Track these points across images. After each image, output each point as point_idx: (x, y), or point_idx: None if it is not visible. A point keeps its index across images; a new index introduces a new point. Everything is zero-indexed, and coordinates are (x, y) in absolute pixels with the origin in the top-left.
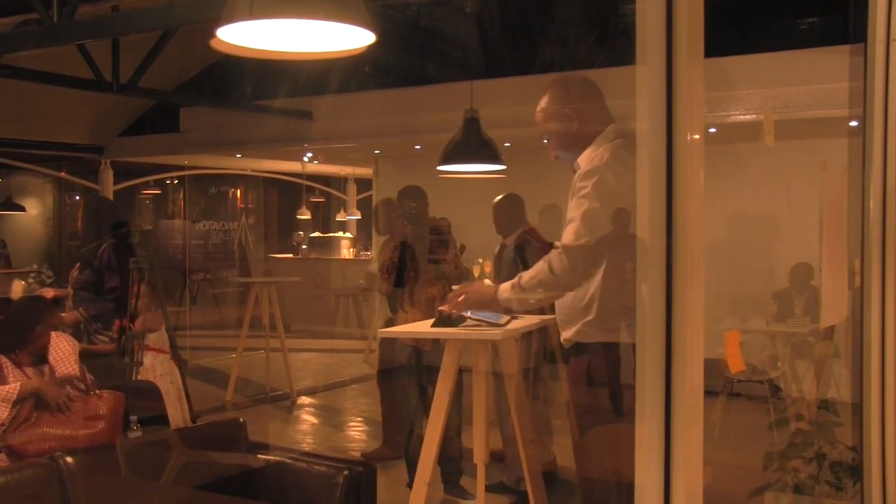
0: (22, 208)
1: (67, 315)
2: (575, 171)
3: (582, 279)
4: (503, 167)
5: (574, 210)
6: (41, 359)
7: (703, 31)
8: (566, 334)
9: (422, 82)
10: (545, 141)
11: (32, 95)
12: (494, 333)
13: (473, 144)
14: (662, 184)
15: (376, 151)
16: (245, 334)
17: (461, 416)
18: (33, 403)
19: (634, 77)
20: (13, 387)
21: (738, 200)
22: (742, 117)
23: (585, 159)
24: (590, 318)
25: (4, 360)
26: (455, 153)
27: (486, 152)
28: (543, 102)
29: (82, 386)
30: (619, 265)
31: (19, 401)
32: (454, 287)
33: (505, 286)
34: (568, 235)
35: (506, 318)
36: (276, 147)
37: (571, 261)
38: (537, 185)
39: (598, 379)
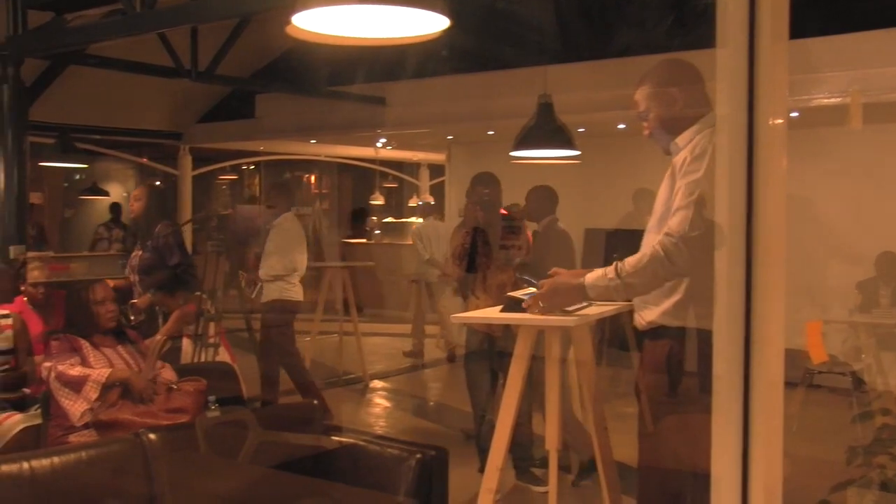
0: (106, 193)
1: (140, 300)
2: (669, 153)
3: (694, 267)
4: (577, 153)
5: (686, 196)
6: (118, 339)
7: (788, 11)
8: (647, 316)
9: (496, 67)
10: (643, 123)
11: (116, 84)
12: (568, 320)
13: (547, 130)
14: (743, 170)
15: (449, 137)
16: (319, 318)
17: (532, 402)
18: (121, 391)
19: (714, 61)
20: (104, 371)
21: (822, 187)
22: (826, 100)
23: (686, 141)
24: (677, 298)
25: (84, 343)
26: (528, 139)
27: (560, 138)
28: (646, 82)
29: (165, 388)
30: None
31: (108, 385)
32: (540, 282)
33: (594, 276)
34: (683, 223)
35: (584, 303)
36: (350, 133)
37: (690, 248)
38: (612, 170)
39: (676, 365)
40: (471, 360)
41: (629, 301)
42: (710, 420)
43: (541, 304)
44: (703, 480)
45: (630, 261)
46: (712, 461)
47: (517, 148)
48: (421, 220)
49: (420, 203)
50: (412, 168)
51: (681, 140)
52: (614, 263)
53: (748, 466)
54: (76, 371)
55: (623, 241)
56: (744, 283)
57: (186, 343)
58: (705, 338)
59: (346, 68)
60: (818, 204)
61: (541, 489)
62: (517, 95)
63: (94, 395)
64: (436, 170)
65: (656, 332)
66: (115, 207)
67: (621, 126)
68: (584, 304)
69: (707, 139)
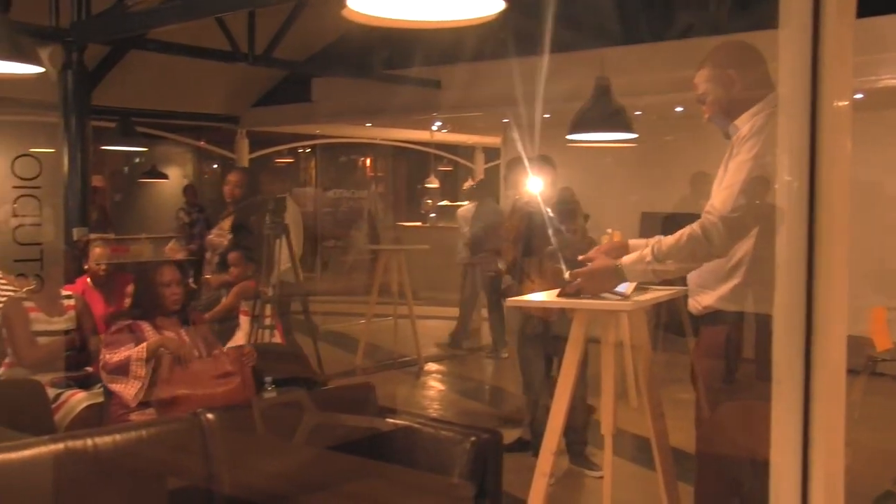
0: (165, 176)
1: (213, 278)
2: (728, 137)
3: (732, 248)
4: (634, 136)
5: (733, 175)
6: (181, 321)
7: None
8: (704, 300)
9: (553, 50)
10: (703, 106)
11: (175, 68)
12: (624, 305)
13: (604, 113)
14: (805, 153)
15: (505, 120)
16: (374, 301)
17: (587, 386)
18: (171, 362)
19: (776, 42)
20: (142, 346)
21: (888, 171)
22: (894, 82)
23: (745, 124)
24: (735, 282)
25: (145, 325)
26: (585, 122)
27: (617, 121)
28: (706, 65)
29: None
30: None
31: (150, 357)
32: (578, 259)
33: (631, 258)
34: (726, 202)
35: (631, 286)
36: (406, 116)
37: (728, 229)
38: (669, 153)
39: (734, 351)
40: (525, 345)
41: (683, 287)
42: (768, 407)
43: (576, 289)
44: (761, 468)
45: (667, 241)
46: (772, 449)
47: (573, 131)
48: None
49: (474, 186)
50: (467, 151)
51: (740, 122)
52: (651, 244)
53: (809, 455)
54: (119, 356)
55: (679, 225)
56: (805, 267)
57: (244, 321)
58: (764, 323)
59: (401, 52)
60: (884, 188)
61: (595, 474)
62: (574, 78)
63: (141, 372)
64: (491, 153)
65: (713, 316)
66: (190, 189)
67: (679, 109)
68: (635, 284)
69: (764, 121)
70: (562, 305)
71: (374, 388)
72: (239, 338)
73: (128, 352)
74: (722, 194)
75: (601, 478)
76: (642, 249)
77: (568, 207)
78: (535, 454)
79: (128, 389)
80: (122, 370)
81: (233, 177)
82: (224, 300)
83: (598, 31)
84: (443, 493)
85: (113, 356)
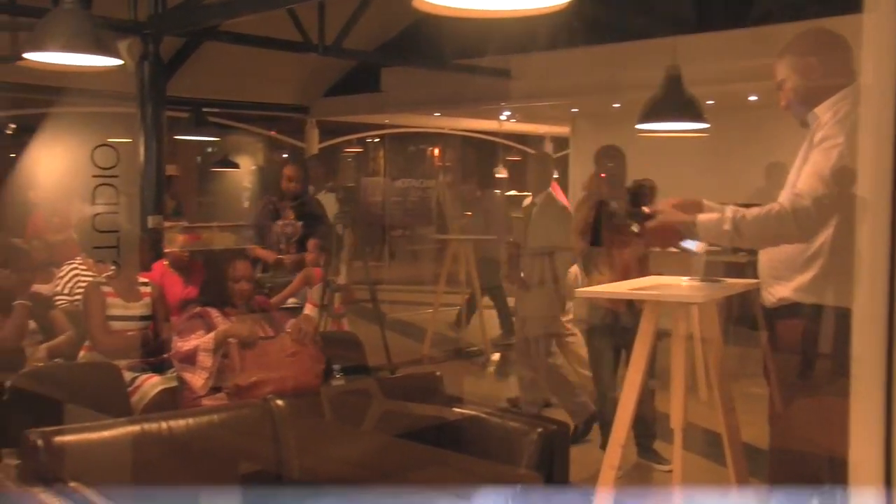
0: (236, 165)
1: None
2: (805, 125)
3: (817, 234)
4: (706, 125)
5: (820, 162)
6: (249, 309)
7: None
8: (779, 292)
9: (623, 38)
10: (780, 93)
11: (246, 59)
12: (695, 297)
13: (675, 102)
14: (889, 142)
15: (574, 110)
16: (442, 290)
17: (656, 378)
18: (240, 349)
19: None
20: (209, 337)
21: None
22: None
23: (827, 112)
24: (812, 274)
25: (214, 312)
26: (655, 111)
27: (688, 110)
28: (787, 51)
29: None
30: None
31: (217, 348)
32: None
33: (709, 219)
34: (815, 185)
35: (702, 246)
36: (475, 106)
37: (819, 214)
38: (742, 143)
39: (810, 345)
40: (594, 336)
41: (755, 280)
42: (846, 404)
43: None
44: (839, 466)
45: (752, 211)
46: (851, 447)
47: (644, 120)
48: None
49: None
50: (536, 141)
51: (820, 110)
52: (732, 212)
53: (891, 453)
54: (188, 345)
55: None
56: (888, 259)
57: (310, 310)
58: (843, 317)
59: (471, 41)
60: None
61: (664, 468)
62: (645, 67)
63: (208, 363)
64: (560, 142)
65: (789, 309)
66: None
67: (753, 98)
68: (705, 246)
69: (849, 108)
70: (630, 297)
71: (441, 377)
72: None
73: (196, 341)
74: (809, 180)
75: (670, 471)
76: (723, 212)
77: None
78: (603, 447)
79: (196, 379)
80: (190, 359)
81: (288, 170)
82: (288, 287)
83: (672, 19)
84: (510, 483)
85: (183, 344)
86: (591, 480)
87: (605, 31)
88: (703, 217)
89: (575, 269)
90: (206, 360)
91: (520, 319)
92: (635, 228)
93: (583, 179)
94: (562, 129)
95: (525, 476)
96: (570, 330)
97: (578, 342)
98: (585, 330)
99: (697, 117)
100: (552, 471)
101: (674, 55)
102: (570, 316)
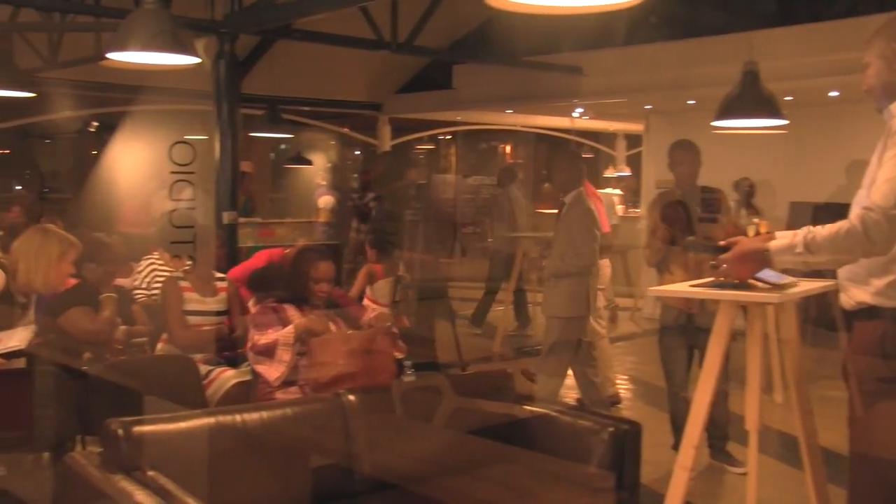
0: (309, 162)
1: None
2: (880, 112)
3: (889, 246)
4: (784, 122)
5: (893, 168)
6: (328, 305)
7: None
8: (858, 296)
9: (699, 34)
10: (864, 75)
11: (320, 57)
12: (772, 297)
13: (752, 98)
14: None
15: (647, 107)
16: (513, 287)
17: (729, 380)
18: (317, 344)
19: None
20: (289, 330)
21: None
22: None
23: None
24: (892, 278)
25: (290, 309)
26: (732, 108)
27: (766, 107)
28: (878, 33)
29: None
30: None
31: (296, 342)
32: (720, 244)
33: (781, 245)
34: (888, 197)
35: (789, 279)
36: (546, 103)
37: (892, 225)
38: (822, 140)
39: (891, 348)
40: (666, 336)
41: (833, 281)
42: None
43: (724, 269)
44: None
45: (822, 233)
46: None
47: (720, 118)
48: (618, 191)
49: (616, 174)
50: (609, 138)
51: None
52: (803, 234)
53: None
54: (266, 338)
55: (832, 215)
56: None
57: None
58: None
59: (543, 38)
60: None
61: (738, 470)
62: (721, 63)
63: (286, 356)
64: (633, 140)
65: (868, 312)
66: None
67: (833, 93)
68: (792, 279)
69: None
70: (705, 296)
71: (511, 375)
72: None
73: (276, 335)
74: (882, 188)
75: (744, 474)
76: (793, 237)
77: (713, 196)
78: (675, 447)
79: (271, 371)
80: (268, 352)
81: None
82: (355, 283)
83: (749, 13)
84: (581, 482)
85: (261, 338)
86: (663, 482)
87: (679, 26)
88: (775, 244)
89: (606, 262)
90: (284, 353)
91: (548, 319)
92: (712, 262)
93: (656, 177)
94: (635, 127)
95: (596, 475)
96: (601, 326)
97: (606, 342)
98: (657, 329)
99: (775, 114)
100: (622, 470)
101: (751, 50)
102: (603, 304)
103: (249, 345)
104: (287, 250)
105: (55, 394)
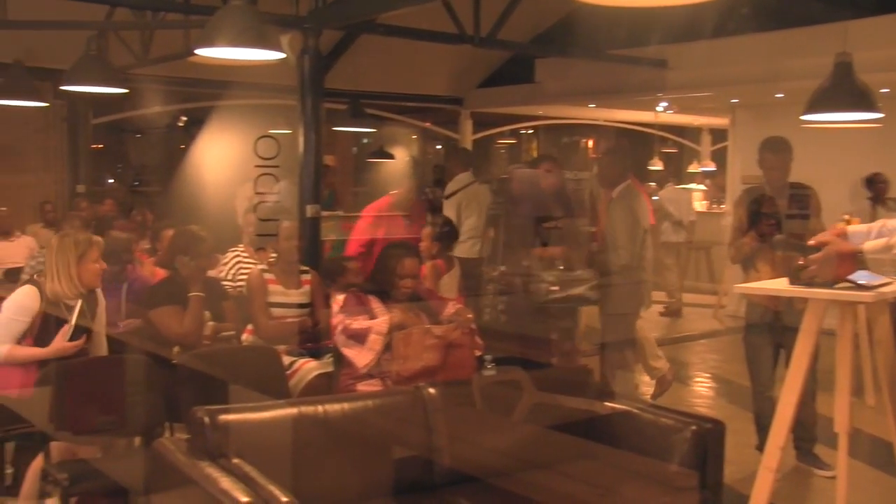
0: (391, 156)
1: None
2: None
3: None
4: (879, 115)
5: None
6: (412, 298)
7: None
8: None
9: (787, 25)
10: None
11: (401, 51)
12: (866, 296)
13: (845, 91)
14: None
15: (734, 100)
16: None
17: (816, 380)
18: (405, 337)
19: None
20: (384, 321)
21: None
22: None
23: None
24: None
25: (374, 300)
26: (823, 101)
27: (860, 100)
28: None
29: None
30: None
31: (389, 333)
32: (810, 243)
33: (875, 245)
34: None
35: (883, 279)
36: (630, 97)
37: None
38: None
39: None
40: (751, 334)
41: None
42: None
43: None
44: None
45: None
46: None
47: (810, 111)
48: (702, 186)
49: (700, 169)
50: (693, 133)
51: None
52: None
53: None
54: (360, 324)
55: None
56: None
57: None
58: None
59: (628, 31)
60: None
61: (825, 473)
62: (812, 54)
63: (378, 346)
64: (718, 134)
65: None
66: (437, 169)
67: None
68: (865, 274)
69: None
70: (793, 294)
71: (592, 370)
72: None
73: (370, 323)
74: None
75: (832, 477)
76: (891, 237)
77: (803, 192)
78: (760, 448)
79: (361, 357)
80: (359, 338)
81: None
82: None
83: (841, 3)
84: (663, 480)
85: (352, 322)
86: (747, 482)
87: (770, 17)
88: (869, 245)
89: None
90: (376, 342)
91: (603, 316)
92: (800, 262)
93: (742, 172)
94: (720, 121)
95: (678, 474)
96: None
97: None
98: (741, 327)
99: (869, 107)
100: (705, 469)
101: (845, 41)
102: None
103: (340, 327)
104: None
105: (145, 381)
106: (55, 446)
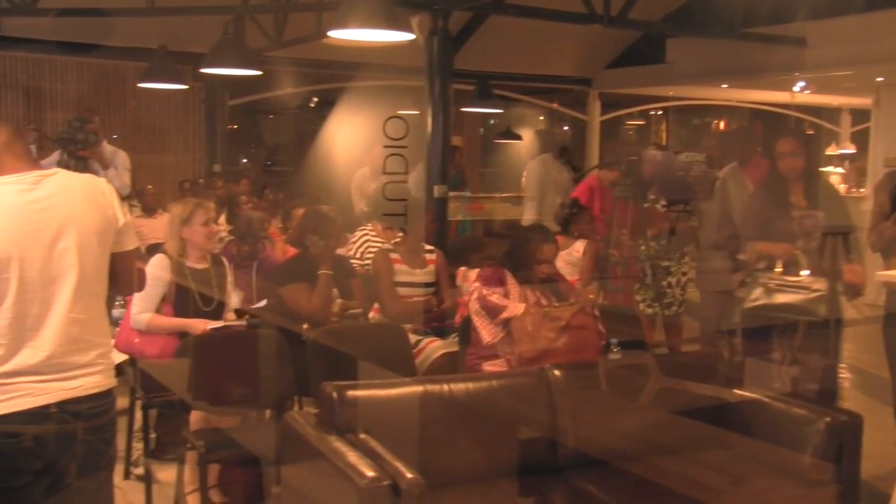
0: (519, 137)
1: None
2: None
3: None
4: None
5: None
6: (546, 280)
7: None
8: None
9: None
10: None
11: (529, 31)
12: None
13: None
14: None
15: (879, 79)
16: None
17: None
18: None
19: None
20: (520, 307)
21: None
22: None
23: None
24: None
25: (510, 278)
26: None
27: None
28: None
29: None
30: None
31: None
32: None
33: None
34: None
35: None
36: (765, 77)
37: None
38: None
39: None
40: (892, 324)
41: None
42: None
43: None
44: None
45: None
46: None
47: None
48: (840, 169)
49: (839, 151)
50: (832, 113)
51: None
52: None
53: None
54: (497, 300)
55: None
56: None
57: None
58: None
59: (763, 8)
60: None
61: None
62: None
63: (507, 327)
64: (859, 115)
65: None
66: (565, 151)
67: None
68: None
69: None
70: None
71: (722, 356)
72: None
73: (506, 302)
74: None
75: None
76: None
77: None
78: None
79: (487, 332)
80: (492, 312)
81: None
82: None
83: None
84: (796, 472)
85: (491, 294)
86: (887, 479)
87: None
88: None
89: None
90: (507, 323)
91: (701, 293)
92: None
93: (885, 155)
94: (862, 101)
95: (812, 466)
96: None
97: None
98: (881, 316)
99: None
100: (841, 462)
101: None
102: None
103: (476, 294)
104: None
105: (276, 355)
106: (194, 415)
